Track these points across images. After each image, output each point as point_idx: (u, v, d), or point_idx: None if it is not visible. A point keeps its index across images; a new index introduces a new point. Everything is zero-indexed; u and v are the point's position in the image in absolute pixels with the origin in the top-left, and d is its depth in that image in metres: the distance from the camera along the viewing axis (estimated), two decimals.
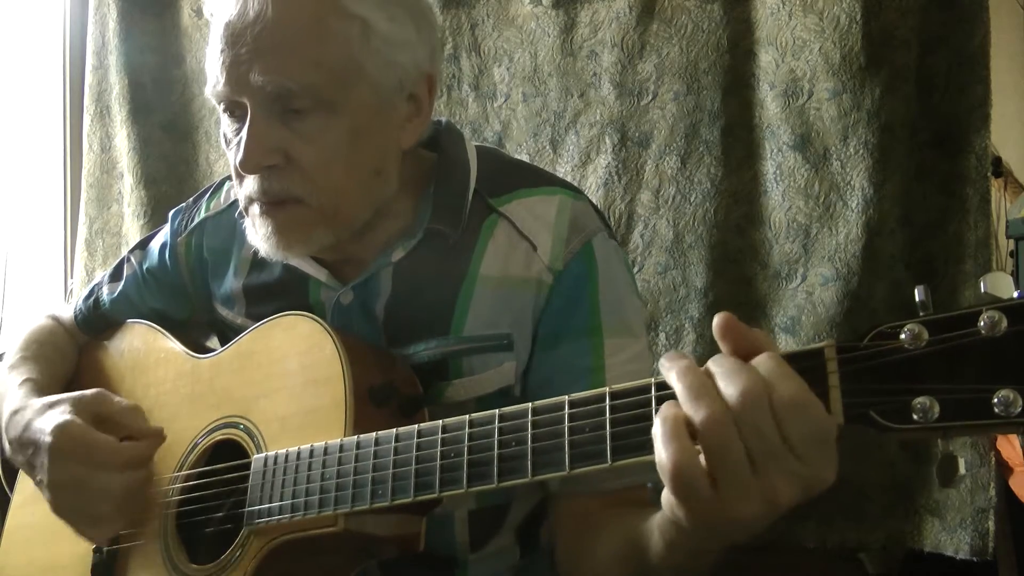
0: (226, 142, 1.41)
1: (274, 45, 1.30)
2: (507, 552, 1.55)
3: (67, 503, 1.43)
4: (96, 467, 1.39)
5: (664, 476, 0.89)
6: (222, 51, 1.33)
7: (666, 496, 0.92)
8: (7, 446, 1.55)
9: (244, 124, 1.34)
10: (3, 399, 1.62)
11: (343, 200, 1.38)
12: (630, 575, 1.24)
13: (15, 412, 1.54)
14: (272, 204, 1.36)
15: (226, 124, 1.40)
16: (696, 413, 0.87)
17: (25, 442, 1.49)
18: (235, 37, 1.31)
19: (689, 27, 2.41)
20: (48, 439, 1.41)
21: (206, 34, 2.84)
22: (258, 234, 1.39)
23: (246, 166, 1.33)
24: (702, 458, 0.88)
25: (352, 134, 1.36)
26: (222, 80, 1.33)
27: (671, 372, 0.91)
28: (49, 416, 1.45)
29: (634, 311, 1.49)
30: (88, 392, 1.48)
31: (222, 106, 1.38)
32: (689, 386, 0.89)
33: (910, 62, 2.23)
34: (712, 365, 0.89)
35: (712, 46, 2.39)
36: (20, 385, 1.60)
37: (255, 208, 1.38)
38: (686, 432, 0.88)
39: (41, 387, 1.62)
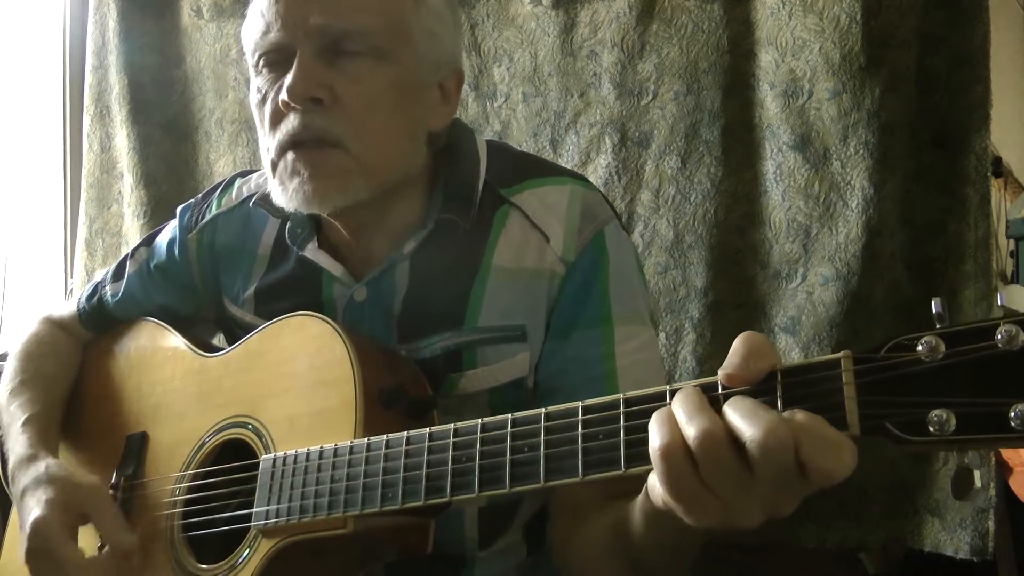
0: (260, 96, 1.42)
1: None
2: (514, 550, 1.56)
3: None
4: None
5: (654, 462, 0.90)
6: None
7: (659, 492, 0.93)
8: (9, 489, 1.57)
9: (285, 69, 1.36)
10: (7, 433, 1.63)
11: (381, 150, 1.39)
12: (615, 557, 1.25)
13: (16, 466, 1.55)
14: (312, 147, 1.37)
15: (261, 80, 1.42)
16: (690, 428, 0.88)
17: (18, 508, 1.51)
18: None
19: (689, 27, 2.41)
20: (27, 532, 1.43)
21: (206, 34, 2.86)
22: (289, 186, 1.39)
23: (294, 92, 1.34)
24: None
25: (396, 87, 1.39)
26: (276, 25, 1.37)
27: (676, 397, 0.93)
28: (36, 499, 1.45)
29: (643, 300, 1.50)
30: (86, 483, 1.48)
31: (263, 61, 1.41)
32: (686, 403, 0.90)
33: (910, 62, 2.23)
34: (727, 407, 0.89)
35: (712, 46, 2.39)
36: (22, 427, 1.61)
37: (289, 156, 1.38)
38: (676, 424, 0.89)
39: (44, 422, 1.64)
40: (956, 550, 2.19)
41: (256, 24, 1.40)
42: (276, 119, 1.39)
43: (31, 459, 1.54)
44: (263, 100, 1.41)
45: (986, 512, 2.16)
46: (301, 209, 1.42)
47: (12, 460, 1.56)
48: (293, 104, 1.35)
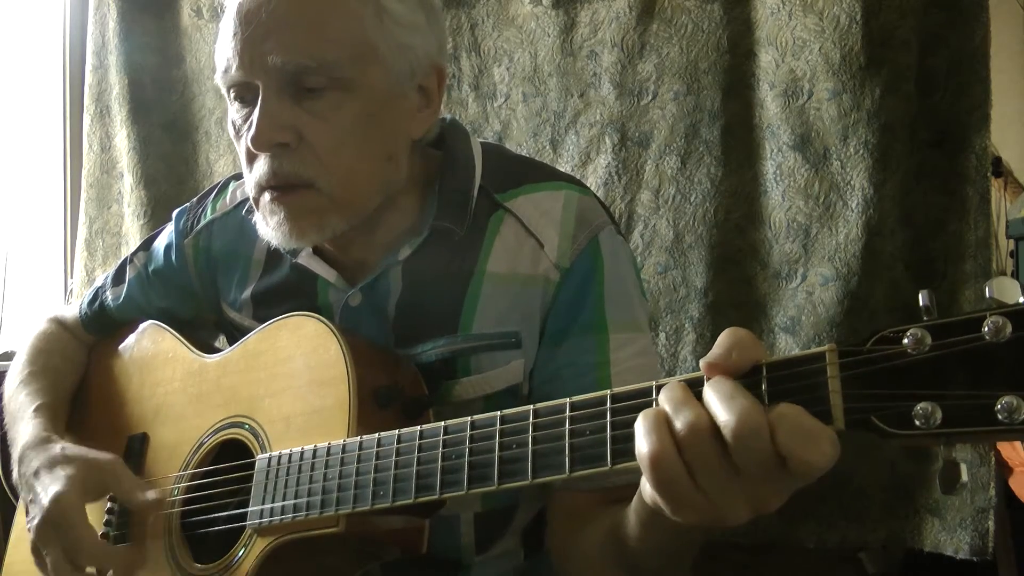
0: (235, 130, 1.40)
1: (289, 22, 1.30)
2: (511, 554, 1.56)
3: (43, 558, 1.44)
4: (70, 559, 1.40)
5: (643, 468, 0.90)
6: (235, 34, 1.32)
7: (648, 491, 0.92)
8: (15, 471, 1.56)
9: (254, 107, 1.33)
10: (16, 420, 1.64)
11: (354, 184, 1.37)
12: (612, 562, 1.25)
13: (29, 447, 1.55)
14: (283, 190, 1.35)
15: (235, 111, 1.39)
16: (676, 423, 0.88)
17: (29, 486, 1.50)
18: (249, 16, 1.31)
19: (689, 27, 2.40)
20: (44, 505, 1.42)
21: (206, 34, 2.86)
22: (269, 224, 1.38)
23: (258, 142, 1.32)
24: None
25: (365, 115, 1.35)
26: (235, 63, 1.33)
27: (662, 392, 0.92)
28: (55, 476, 1.45)
29: (639, 305, 1.49)
30: (102, 459, 1.47)
31: (232, 93, 1.38)
32: (672, 397, 0.90)
33: (910, 62, 2.22)
34: (706, 388, 0.89)
35: (712, 46, 2.39)
36: (34, 413, 1.61)
37: (266, 197, 1.37)
38: (666, 427, 0.88)
39: (54, 412, 1.64)
40: (956, 550, 2.18)
41: (221, 55, 1.37)
42: (249, 159, 1.38)
43: (45, 440, 1.54)
44: (237, 135, 1.40)
45: (986, 512, 2.15)
46: (283, 247, 1.42)
47: (22, 442, 1.56)
48: (259, 152, 1.34)
